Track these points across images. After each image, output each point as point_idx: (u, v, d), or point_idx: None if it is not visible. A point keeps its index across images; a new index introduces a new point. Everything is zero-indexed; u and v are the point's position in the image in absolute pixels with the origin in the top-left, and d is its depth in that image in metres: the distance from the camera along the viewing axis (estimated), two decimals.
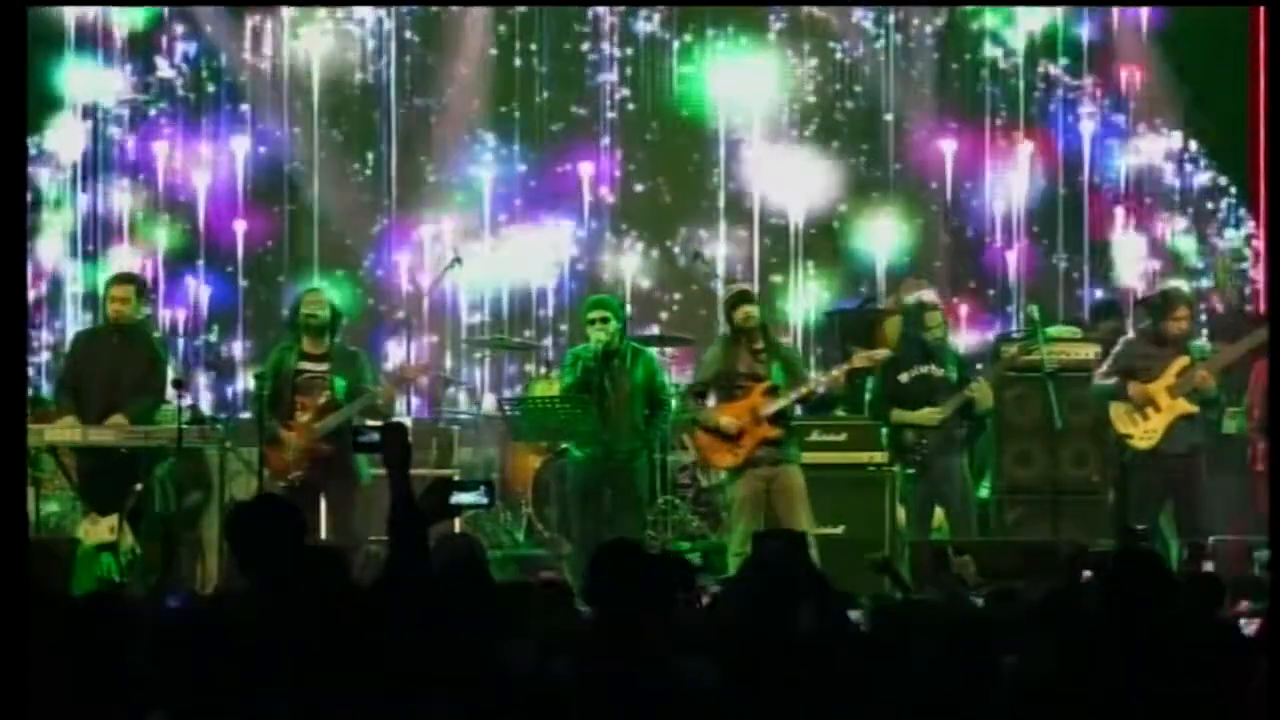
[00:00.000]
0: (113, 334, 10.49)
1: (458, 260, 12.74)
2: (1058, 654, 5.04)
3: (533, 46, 14.22)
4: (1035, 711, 4.91)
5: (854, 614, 6.01)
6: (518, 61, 14.22)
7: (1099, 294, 13.82)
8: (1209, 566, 9.83)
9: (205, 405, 13.08)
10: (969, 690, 4.82)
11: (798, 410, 10.35)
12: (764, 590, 5.34)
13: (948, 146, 13.98)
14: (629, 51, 14.23)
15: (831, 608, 5.47)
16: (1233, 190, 13.81)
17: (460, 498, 5.28)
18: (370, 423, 10.07)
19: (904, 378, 10.66)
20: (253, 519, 5.32)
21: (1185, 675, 4.99)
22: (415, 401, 13.18)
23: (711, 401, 10.40)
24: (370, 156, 14.30)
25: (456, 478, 11.35)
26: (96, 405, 10.29)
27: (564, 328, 13.84)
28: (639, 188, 14.34)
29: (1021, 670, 5.12)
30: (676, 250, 14.10)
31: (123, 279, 10.84)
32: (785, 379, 10.26)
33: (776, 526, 9.93)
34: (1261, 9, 12.55)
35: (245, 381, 13.38)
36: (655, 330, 13.55)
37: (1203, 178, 13.93)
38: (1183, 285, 12.42)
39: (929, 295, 11.65)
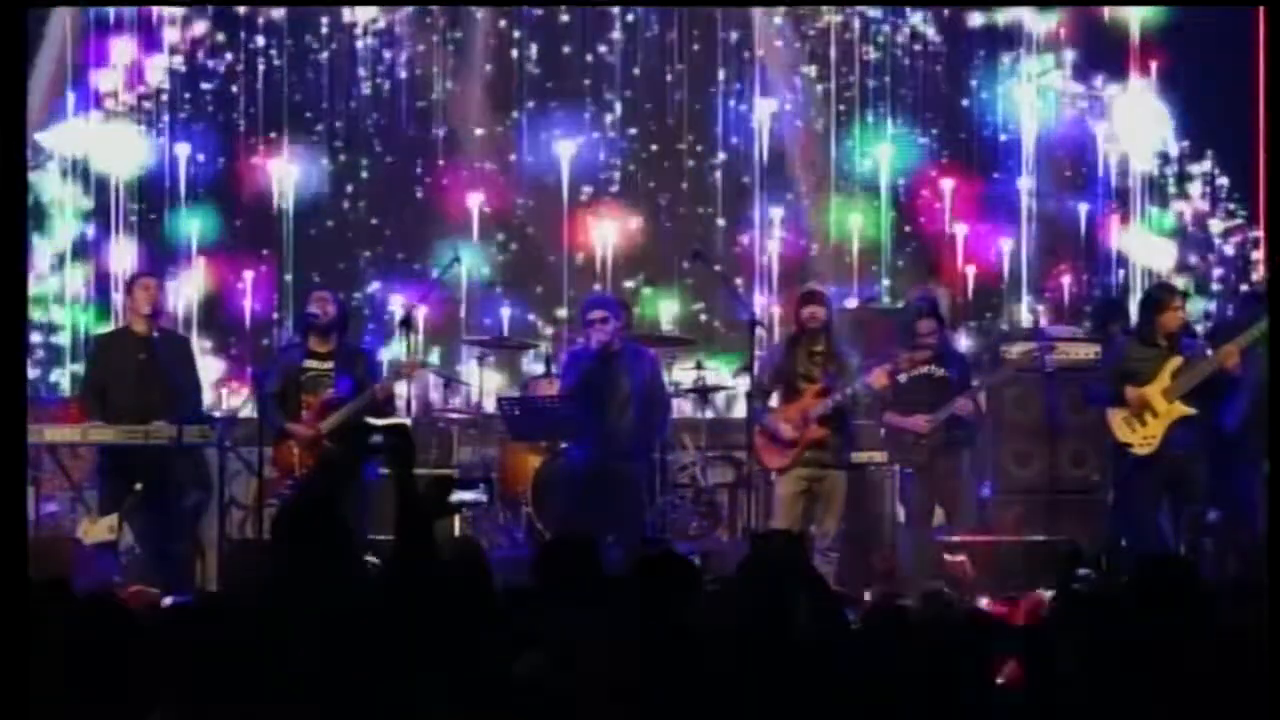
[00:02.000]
0: (134, 336, 10.56)
1: (456, 260, 12.74)
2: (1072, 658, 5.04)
3: (532, 56, 14.25)
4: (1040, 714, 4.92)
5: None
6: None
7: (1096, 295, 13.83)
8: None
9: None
10: (962, 692, 4.83)
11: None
12: (760, 590, 5.36)
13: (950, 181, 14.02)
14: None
15: (827, 608, 5.48)
16: (1238, 200, 13.82)
17: (460, 495, 5.31)
18: (375, 421, 10.08)
19: (904, 378, 10.65)
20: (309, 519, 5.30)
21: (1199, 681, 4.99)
22: (415, 401, 13.19)
23: (775, 401, 10.41)
24: (365, 162, 14.28)
25: (456, 477, 11.41)
26: (124, 408, 10.34)
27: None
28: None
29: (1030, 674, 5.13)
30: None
31: (150, 272, 11.23)
32: (835, 381, 10.27)
33: (806, 526, 10.01)
34: (1261, 9, 12.55)
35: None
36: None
37: (1202, 174, 13.94)
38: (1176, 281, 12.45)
39: (931, 294, 11.73)
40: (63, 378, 13.56)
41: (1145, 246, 13.86)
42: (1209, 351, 10.46)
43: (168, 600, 7.95)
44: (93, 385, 10.72)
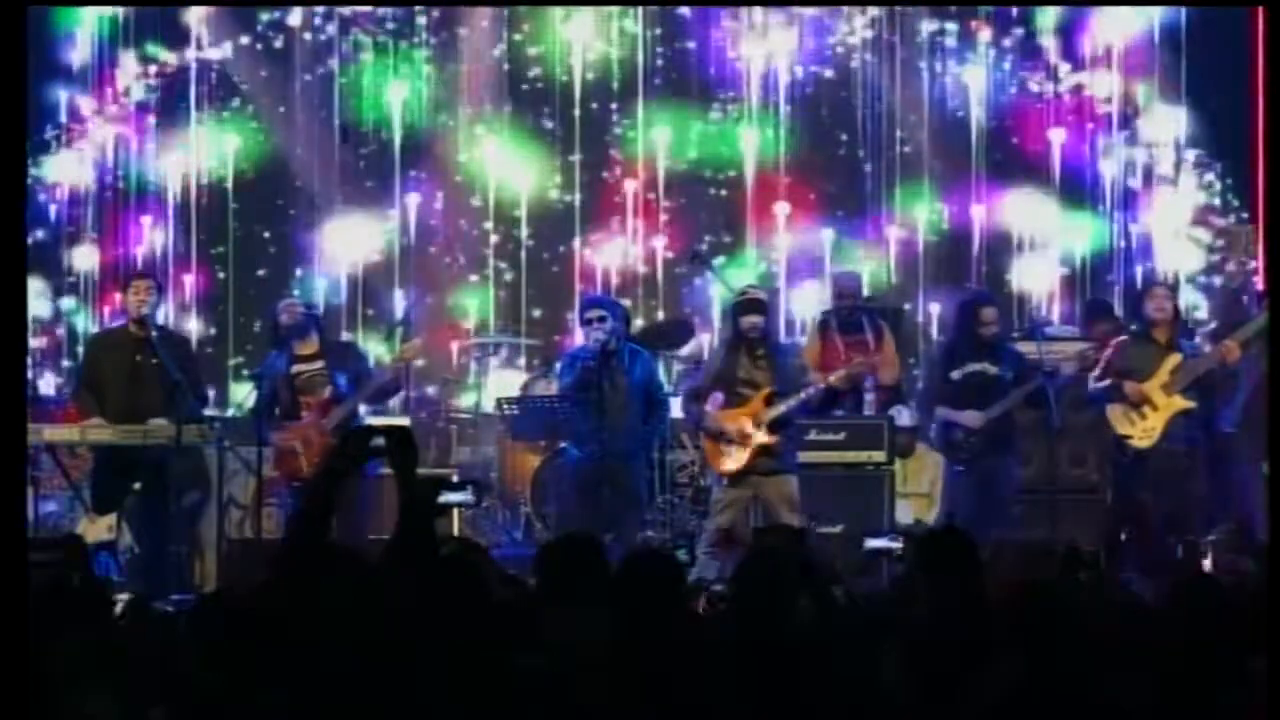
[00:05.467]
0: (130, 335, 10.51)
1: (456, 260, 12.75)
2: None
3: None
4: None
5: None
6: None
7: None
8: (1206, 564, 9.86)
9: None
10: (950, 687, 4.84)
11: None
12: (762, 586, 5.36)
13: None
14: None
15: (828, 595, 5.49)
16: (1235, 202, 13.83)
17: (448, 497, 5.30)
18: (374, 422, 10.09)
19: (956, 374, 10.61)
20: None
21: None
22: (414, 400, 13.22)
23: (712, 405, 10.35)
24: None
25: (455, 477, 11.41)
26: (118, 406, 10.32)
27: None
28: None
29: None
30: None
31: (144, 274, 11.20)
32: (783, 386, 10.22)
33: (745, 529, 10.01)
34: (1261, 9, 12.56)
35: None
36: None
37: (1205, 177, 13.95)
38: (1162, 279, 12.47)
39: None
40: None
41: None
42: (1208, 347, 10.47)
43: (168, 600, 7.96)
44: (86, 384, 10.69)
